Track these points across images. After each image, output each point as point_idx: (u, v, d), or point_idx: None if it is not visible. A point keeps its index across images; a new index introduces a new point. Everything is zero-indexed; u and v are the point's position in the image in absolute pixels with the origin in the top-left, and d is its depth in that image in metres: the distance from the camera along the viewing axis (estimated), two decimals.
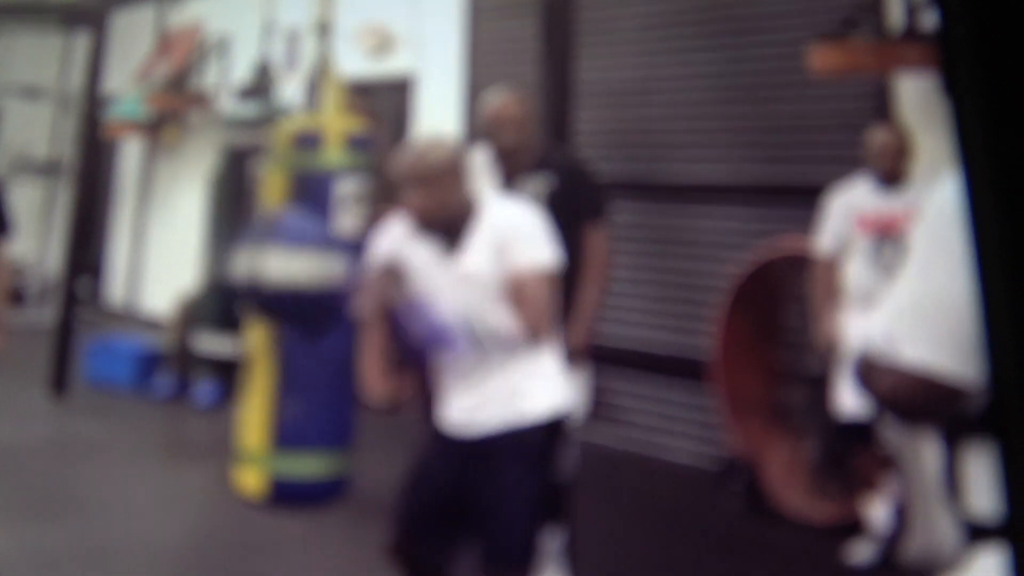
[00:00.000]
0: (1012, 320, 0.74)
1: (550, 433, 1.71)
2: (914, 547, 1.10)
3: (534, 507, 1.67)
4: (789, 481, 2.05)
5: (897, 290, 1.04)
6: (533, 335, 1.68)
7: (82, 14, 4.80)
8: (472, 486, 1.71)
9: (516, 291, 1.67)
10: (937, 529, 1.05)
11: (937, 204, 1.01)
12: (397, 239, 1.78)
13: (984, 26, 0.78)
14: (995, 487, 0.99)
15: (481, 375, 1.76)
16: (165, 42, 5.77)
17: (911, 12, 2.39)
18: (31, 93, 6.86)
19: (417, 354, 1.99)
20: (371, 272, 1.88)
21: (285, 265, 2.37)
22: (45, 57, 7.27)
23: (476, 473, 1.70)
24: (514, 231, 1.70)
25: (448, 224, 1.70)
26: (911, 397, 1.02)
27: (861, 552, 2.37)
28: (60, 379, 4.66)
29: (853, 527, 1.94)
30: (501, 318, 1.69)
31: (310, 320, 2.28)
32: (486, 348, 1.71)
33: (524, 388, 1.69)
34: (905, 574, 1.19)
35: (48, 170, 6.96)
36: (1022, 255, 0.72)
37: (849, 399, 2.26)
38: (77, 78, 5.61)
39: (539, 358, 1.71)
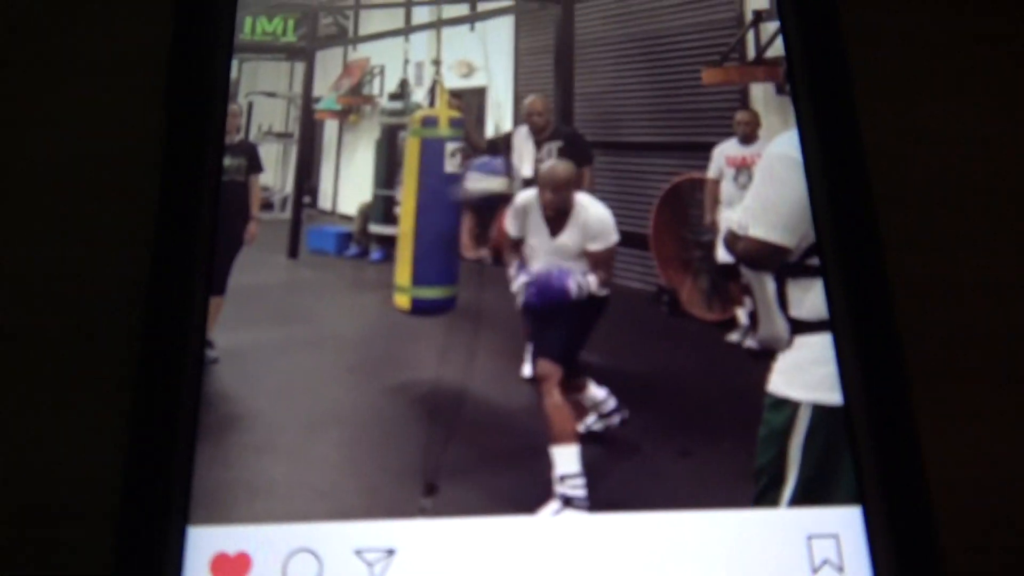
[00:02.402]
0: (828, 204, 0.78)
1: (598, 302, 1.75)
2: (760, 333, 1.14)
3: (576, 331, 1.70)
4: (692, 298, 2.07)
5: (748, 198, 1.10)
6: (604, 283, 1.73)
7: (299, 51, 4.76)
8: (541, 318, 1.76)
9: (594, 261, 1.72)
10: (773, 324, 1.09)
11: (770, 152, 1.06)
12: (528, 203, 1.84)
13: (811, 52, 0.81)
14: (807, 301, 1.04)
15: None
16: (348, 69, 5.76)
17: (759, 49, 2.42)
18: (270, 95, 6.83)
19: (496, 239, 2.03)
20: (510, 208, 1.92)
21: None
22: (278, 75, 7.24)
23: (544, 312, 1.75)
24: (594, 227, 1.76)
25: (558, 213, 1.77)
26: (754, 255, 1.07)
27: (734, 336, 2.41)
28: (293, 249, 4.65)
29: (729, 323, 1.94)
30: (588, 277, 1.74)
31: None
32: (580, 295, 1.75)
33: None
34: (758, 348, 1.25)
35: (283, 136, 6.94)
36: (831, 173, 0.76)
37: (722, 254, 2.31)
38: (297, 86, 5.58)
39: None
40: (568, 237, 1.78)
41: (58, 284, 0.99)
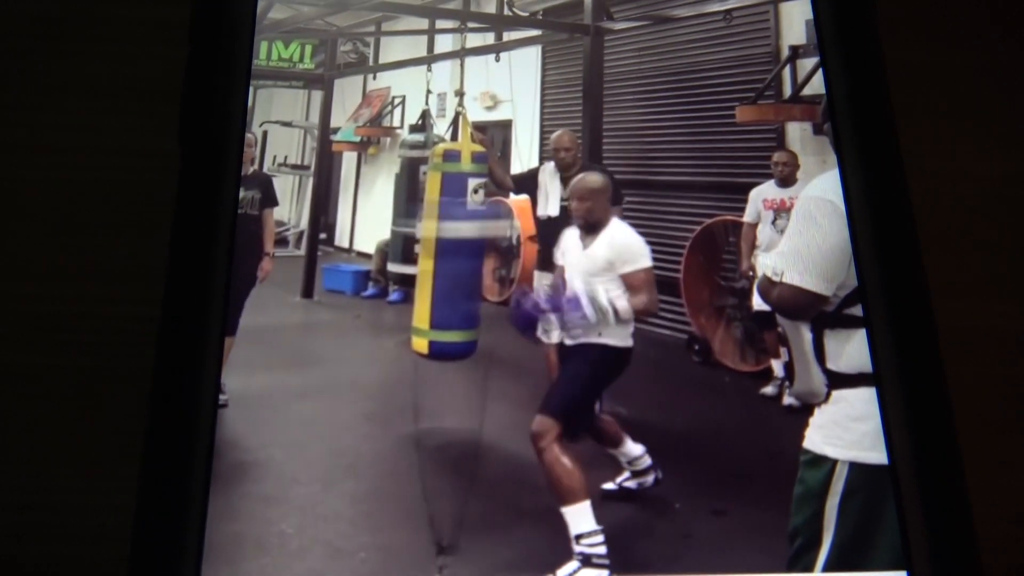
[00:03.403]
0: (873, 252, 0.76)
1: (616, 355, 1.74)
2: (796, 387, 1.13)
3: (586, 391, 1.69)
4: (725, 348, 2.07)
5: (783, 242, 1.10)
6: (646, 310, 1.73)
7: (317, 79, 4.78)
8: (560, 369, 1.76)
9: (629, 285, 1.72)
10: (810, 377, 1.08)
11: (806, 195, 1.06)
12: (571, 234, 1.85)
13: (852, 91, 0.80)
14: (845, 353, 1.03)
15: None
16: (368, 98, 5.77)
17: (796, 86, 2.42)
18: (286, 124, 6.86)
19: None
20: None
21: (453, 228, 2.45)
22: (294, 103, 7.25)
23: (562, 362, 1.75)
24: (622, 249, 1.77)
25: (590, 225, 1.78)
26: (789, 303, 1.07)
27: (768, 389, 2.39)
28: (308, 288, 4.66)
29: (763, 374, 1.95)
30: (613, 293, 1.74)
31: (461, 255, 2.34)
32: (602, 318, 1.75)
33: (607, 332, 1.74)
34: (794, 402, 1.25)
35: (298, 168, 6.96)
36: (877, 218, 0.74)
37: (758, 302, 2.30)
38: (314, 116, 5.58)
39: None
40: (598, 250, 1.80)
41: (67, 323, 0.98)
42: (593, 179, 1.91)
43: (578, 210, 1.85)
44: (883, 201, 0.90)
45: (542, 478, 1.34)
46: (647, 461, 1.51)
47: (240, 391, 1.11)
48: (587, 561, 1.14)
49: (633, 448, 1.54)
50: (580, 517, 1.27)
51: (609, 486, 1.41)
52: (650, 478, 1.49)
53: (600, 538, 1.19)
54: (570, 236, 1.82)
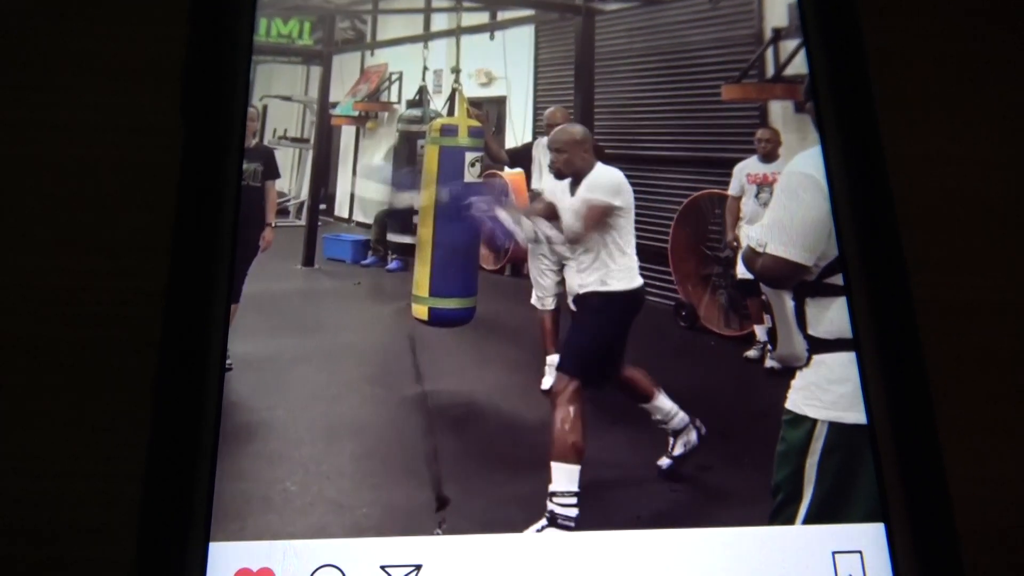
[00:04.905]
0: (853, 225, 0.78)
1: (623, 299, 1.74)
2: (778, 351, 1.15)
3: (597, 339, 1.69)
4: (710, 314, 2.08)
5: (766, 215, 1.12)
6: (576, 235, 1.72)
7: (316, 55, 4.73)
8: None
9: (583, 212, 1.72)
10: (792, 342, 1.10)
11: (789, 170, 1.08)
12: (557, 183, 1.83)
13: (834, 71, 0.81)
14: (825, 320, 1.05)
15: (583, 268, 1.80)
16: (366, 74, 5.71)
17: (778, 67, 2.42)
18: (286, 99, 6.74)
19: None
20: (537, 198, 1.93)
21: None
22: (294, 78, 7.12)
23: (574, 314, 1.75)
24: (594, 182, 1.75)
25: (572, 174, 1.76)
26: (773, 272, 1.09)
27: (752, 353, 2.40)
28: (309, 257, 4.63)
29: (747, 338, 1.95)
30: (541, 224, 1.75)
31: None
32: (548, 243, 1.76)
33: (609, 277, 1.74)
34: (776, 365, 1.25)
35: (298, 141, 6.86)
36: (856, 193, 0.76)
37: (743, 271, 2.30)
38: (313, 91, 5.52)
39: (624, 260, 1.77)
40: (578, 197, 1.79)
41: (73, 295, 0.98)
42: (573, 130, 1.87)
43: (556, 161, 1.83)
44: (863, 177, 0.91)
45: (544, 435, 1.35)
46: (683, 417, 1.49)
47: (244, 355, 1.12)
48: (553, 520, 1.15)
49: (666, 402, 1.52)
50: (563, 477, 1.27)
51: (663, 462, 1.39)
52: (693, 435, 1.47)
53: (572, 500, 1.20)
54: (560, 183, 1.80)
